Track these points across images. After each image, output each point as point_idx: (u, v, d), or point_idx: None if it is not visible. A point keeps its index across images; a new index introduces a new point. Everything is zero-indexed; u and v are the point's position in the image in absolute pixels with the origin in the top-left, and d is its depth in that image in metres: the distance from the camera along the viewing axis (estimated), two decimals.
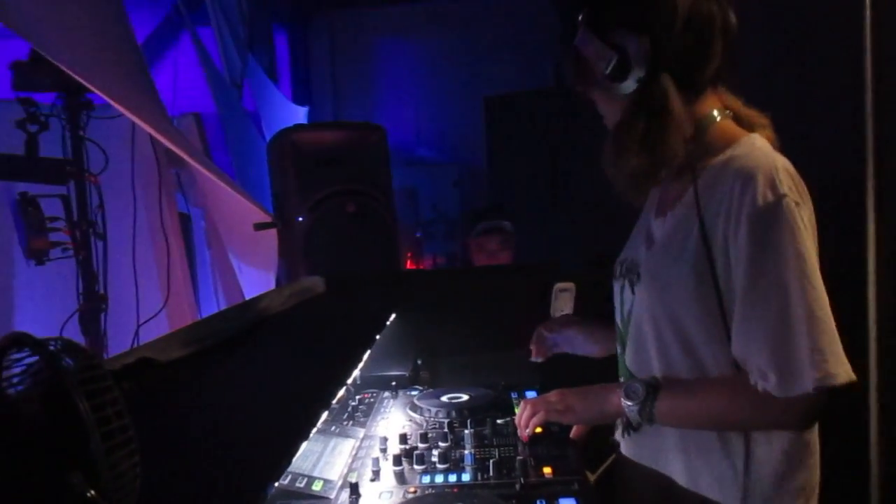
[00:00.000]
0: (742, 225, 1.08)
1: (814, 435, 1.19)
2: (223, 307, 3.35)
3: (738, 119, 1.22)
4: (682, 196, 1.21)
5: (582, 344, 1.58)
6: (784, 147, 1.20)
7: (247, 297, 3.23)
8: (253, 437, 0.91)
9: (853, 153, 1.80)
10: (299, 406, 1.07)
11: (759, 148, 1.15)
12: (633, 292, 1.25)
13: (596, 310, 1.61)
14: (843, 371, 1.03)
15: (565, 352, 1.62)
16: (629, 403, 1.19)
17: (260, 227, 2.75)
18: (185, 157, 2.53)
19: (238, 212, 2.85)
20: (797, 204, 1.07)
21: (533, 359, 1.64)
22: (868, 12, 1.77)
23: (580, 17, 1.21)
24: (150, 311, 2.55)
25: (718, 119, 1.20)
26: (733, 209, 1.09)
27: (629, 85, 1.16)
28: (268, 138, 4.09)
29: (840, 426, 1.25)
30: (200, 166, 2.59)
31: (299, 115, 4.82)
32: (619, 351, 1.34)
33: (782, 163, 1.12)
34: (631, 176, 1.19)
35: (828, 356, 1.03)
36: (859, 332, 1.86)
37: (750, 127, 1.21)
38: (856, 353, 1.10)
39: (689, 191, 1.18)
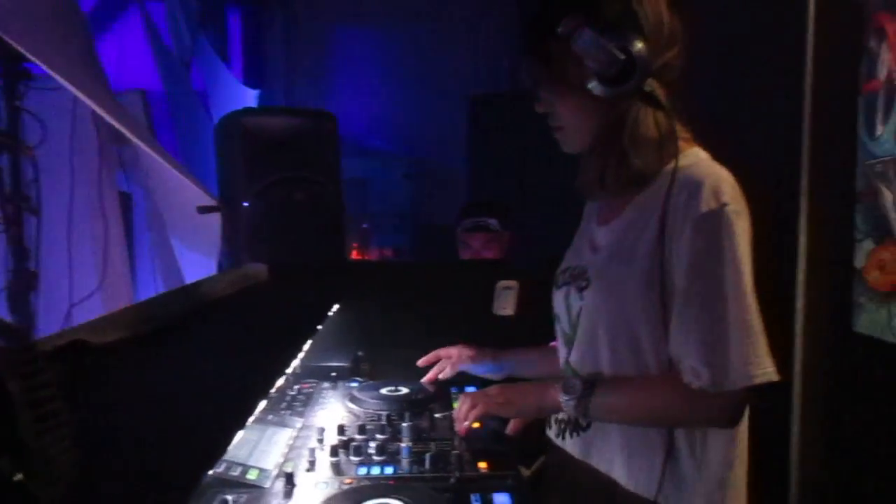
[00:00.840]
0: (686, 230, 1.14)
1: (745, 434, 1.25)
2: (161, 291, 3.28)
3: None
4: (629, 202, 1.25)
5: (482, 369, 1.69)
6: (718, 154, 1.25)
7: (187, 282, 3.17)
8: (188, 425, 0.90)
9: (787, 162, 1.86)
10: (236, 394, 1.05)
11: (703, 160, 1.22)
12: (581, 297, 1.28)
13: (539, 308, 1.65)
14: (768, 371, 1.11)
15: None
16: (566, 398, 1.22)
17: (204, 210, 2.70)
18: (129, 134, 2.47)
19: (181, 194, 2.79)
20: (737, 213, 1.14)
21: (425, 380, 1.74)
22: (811, 25, 1.83)
23: (578, 17, 1.16)
24: (84, 291, 2.48)
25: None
26: (679, 215, 1.15)
27: (625, 90, 1.16)
28: (216, 120, 4.02)
29: (763, 426, 1.30)
30: (144, 145, 2.53)
31: (250, 98, 4.74)
32: (563, 355, 1.36)
33: (726, 174, 1.18)
34: (632, 175, 1.21)
35: (753, 357, 1.10)
36: (786, 333, 1.93)
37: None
38: (782, 353, 1.16)
39: (636, 198, 1.24)
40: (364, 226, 5.39)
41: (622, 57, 1.14)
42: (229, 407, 1.01)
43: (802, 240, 1.86)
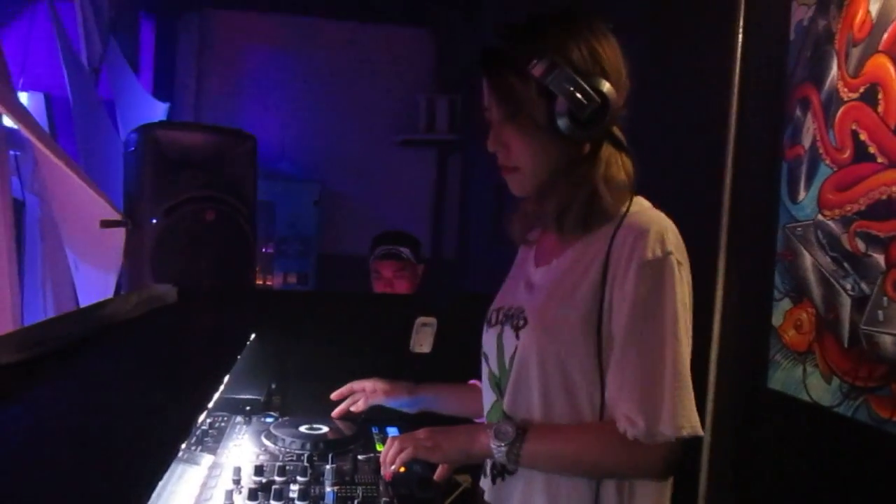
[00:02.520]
0: (629, 275, 1.13)
1: (670, 489, 1.24)
2: (50, 305, 3.05)
3: None
4: (570, 245, 1.24)
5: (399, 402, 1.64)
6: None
7: (80, 297, 2.96)
8: (102, 467, 0.80)
9: (708, 220, 1.92)
10: (158, 432, 0.96)
11: (648, 207, 1.23)
12: (517, 337, 1.25)
13: (454, 346, 1.61)
14: (689, 425, 1.11)
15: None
16: (498, 444, 1.18)
17: (107, 224, 2.53)
18: (31, 137, 2.30)
19: (83, 205, 2.61)
20: (679, 263, 1.15)
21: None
22: (736, 90, 1.91)
23: (549, 57, 1.14)
24: None
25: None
26: (623, 260, 1.14)
27: (596, 130, 1.16)
28: (122, 130, 3.81)
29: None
30: (47, 150, 2.36)
31: (158, 110, 4.54)
32: (492, 398, 1.33)
33: (670, 224, 1.19)
34: (596, 215, 1.20)
35: (682, 410, 1.10)
36: (699, 386, 1.98)
37: None
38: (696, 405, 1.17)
39: (579, 241, 1.23)
40: (269, 250, 5.24)
41: (597, 98, 1.14)
42: (148, 446, 0.91)
43: (719, 294, 1.91)
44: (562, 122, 1.15)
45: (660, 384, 1.10)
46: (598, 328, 1.15)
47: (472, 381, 1.55)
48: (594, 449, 1.18)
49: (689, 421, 1.10)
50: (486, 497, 1.31)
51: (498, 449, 1.18)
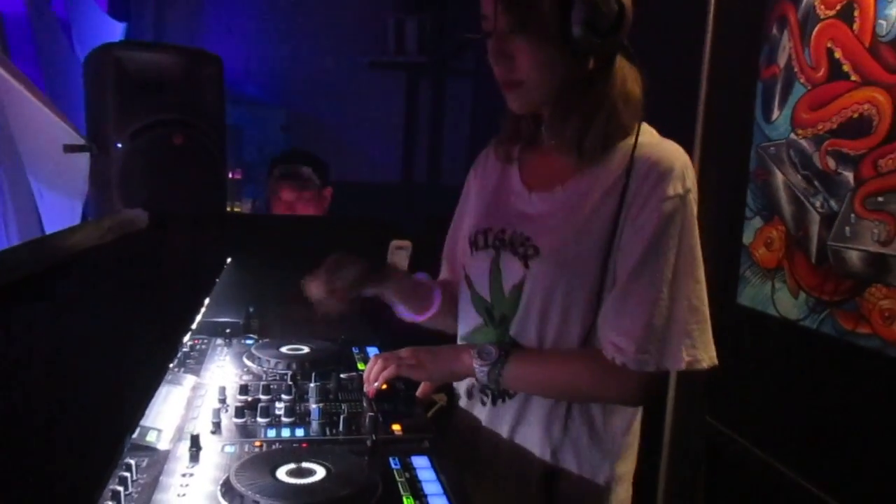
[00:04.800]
0: (648, 211, 1.12)
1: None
2: (14, 235, 2.98)
3: None
4: (576, 171, 1.21)
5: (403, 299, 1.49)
6: None
7: (46, 226, 2.90)
8: (99, 388, 0.80)
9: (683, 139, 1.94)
10: (146, 353, 0.96)
11: (663, 139, 1.20)
12: (525, 266, 1.23)
13: (429, 269, 1.63)
14: (707, 357, 1.13)
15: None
16: (480, 364, 1.20)
17: (71, 149, 2.47)
18: None
19: (44, 130, 2.53)
20: (695, 200, 1.15)
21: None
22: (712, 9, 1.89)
23: None
24: None
25: None
26: (643, 194, 1.12)
27: (613, 42, 1.12)
28: (79, 52, 3.66)
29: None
30: (3, 71, 2.27)
31: (116, 30, 4.37)
32: (476, 322, 1.34)
33: (688, 159, 1.17)
34: (614, 134, 1.17)
35: (696, 343, 1.11)
36: None
37: None
38: None
39: (585, 167, 1.19)
40: (237, 176, 5.16)
41: (616, 7, 1.08)
42: (140, 366, 0.92)
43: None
44: (577, 32, 1.08)
45: (669, 317, 1.11)
46: (607, 258, 1.15)
47: (419, 274, 1.53)
48: (575, 372, 1.20)
49: (706, 352, 1.13)
50: (485, 421, 1.32)
51: (480, 369, 1.20)
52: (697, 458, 1.99)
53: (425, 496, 1.00)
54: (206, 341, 1.66)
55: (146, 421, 1.18)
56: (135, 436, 1.12)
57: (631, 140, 1.16)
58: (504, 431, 1.29)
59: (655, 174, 1.12)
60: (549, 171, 1.25)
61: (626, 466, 1.29)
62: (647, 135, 1.19)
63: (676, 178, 1.12)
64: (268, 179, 2.81)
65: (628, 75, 1.17)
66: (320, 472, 1.01)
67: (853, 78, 1.48)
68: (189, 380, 1.41)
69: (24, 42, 3.16)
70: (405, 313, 1.50)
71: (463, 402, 1.39)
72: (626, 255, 1.14)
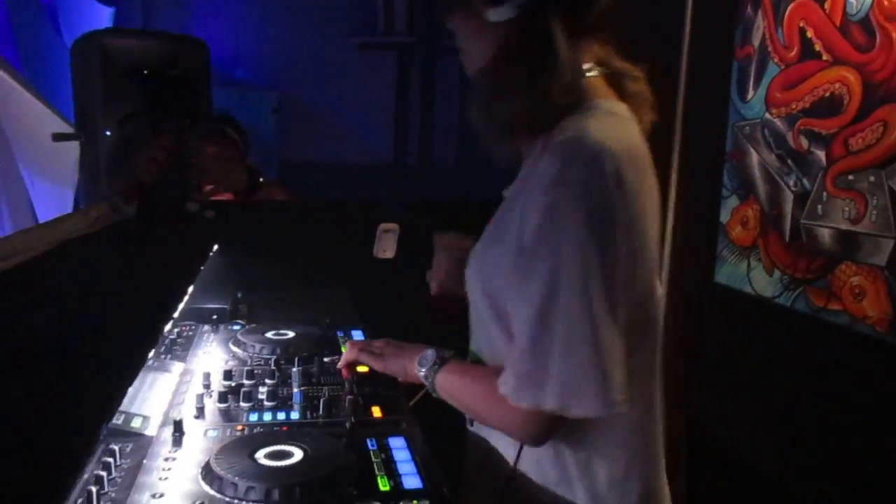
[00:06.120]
0: (530, 212, 0.97)
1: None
2: (6, 223, 3.01)
3: (610, 76, 1.09)
4: (520, 169, 1.10)
5: None
6: None
7: (38, 212, 2.92)
8: (79, 374, 0.84)
9: (660, 121, 1.96)
10: (126, 340, 0.99)
11: (591, 124, 0.99)
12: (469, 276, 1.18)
13: (417, 252, 1.65)
14: (614, 401, 0.94)
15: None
16: (420, 368, 1.18)
17: (60, 137, 2.48)
18: None
19: (32, 118, 2.55)
20: (588, 198, 0.95)
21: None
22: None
23: None
24: None
25: (589, 75, 1.05)
26: (537, 187, 0.97)
27: (507, 10, 0.99)
28: (66, 38, 3.66)
29: None
30: None
31: (104, 16, 4.36)
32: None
33: (593, 152, 0.96)
34: (504, 125, 1.01)
35: (604, 383, 0.93)
36: None
37: (620, 86, 1.09)
38: None
39: (527, 163, 1.08)
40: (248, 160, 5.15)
41: None
42: (119, 354, 0.95)
43: (672, 194, 1.96)
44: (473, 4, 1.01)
45: (544, 343, 0.95)
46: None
47: None
48: (476, 395, 1.12)
49: (580, 398, 0.93)
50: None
51: (419, 371, 1.18)
52: (679, 437, 2.03)
53: (399, 476, 1.03)
54: (193, 328, 1.70)
55: (132, 408, 1.22)
56: (120, 422, 1.16)
57: (557, 136, 0.99)
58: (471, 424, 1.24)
59: (540, 174, 0.97)
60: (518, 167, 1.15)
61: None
62: (581, 118, 1.00)
63: (554, 181, 0.94)
64: None
65: (544, 46, 0.99)
66: (298, 455, 1.05)
67: (825, 57, 1.50)
68: (176, 366, 1.45)
69: (8, 29, 3.16)
70: None
71: None
72: (518, 262, 1.00)
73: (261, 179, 2.44)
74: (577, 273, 0.93)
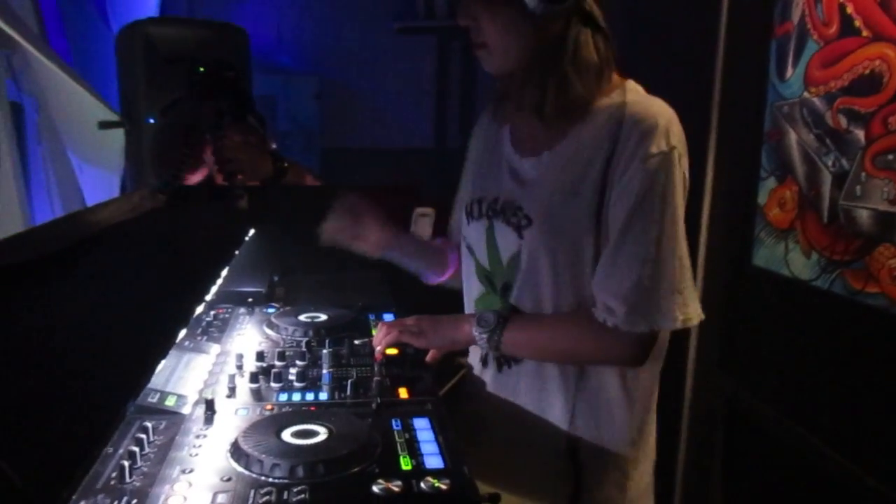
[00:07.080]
0: (632, 169, 1.12)
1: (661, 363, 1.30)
2: (56, 207, 3.11)
3: None
4: (565, 135, 1.21)
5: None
6: None
7: (86, 199, 3.02)
8: (109, 353, 0.87)
9: (698, 101, 1.92)
10: (157, 322, 1.03)
11: (647, 96, 1.19)
12: (520, 236, 1.25)
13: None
14: (697, 314, 1.14)
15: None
16: (480, 331, 1.24)
17: (105, 125, 2.56)
18: (19, 38, 2.29)
19: (80, 106, 2.62)
20: (681, 156, 1.14)
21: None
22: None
23: None
24: None
25: None
26: (626, 153, 1.12)
27: (565, 7, 1.11)
28: (113, 27, 3.75)
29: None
30: (36, 51, 2.35)
31: (150, 4, 4.44)
32: (480, 290, 1.37)
33: (673, 115, 1.16)
34: (572, 102, 1.16)
35: (687, 300, 1.13)
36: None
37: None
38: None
39: (574, 130, 1.20)
40: (272, 146, 5.23)
41: None
42: (151, 334, 0.98)
43: (709, 176, 1.93)
44: None
45: (657, 276, 1.11)
46: (599, 221, 1.16)
47: (439, 239, 1.59)
48: (570, 336, 1.22)
49: (689, 309, 1.13)
50: (490, 387, 1.36)
51: (480, 335, 1.24)
52: (715, 419, 2.01)
53: (422, 455, 1.05)
54: (229, 310, 1.74)
55: (168, 387, 1.26)
56: (155, 400, 1.20)
57: (616, 99, 1.16)
58: (519, 398, 1.31)
59: (638, 132, 1.12)
60: (537, 136, 1.26)
61: (647, 431, 1.31)
62: (633, 93, 1.19)
63: (660, 136, 1.11)
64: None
65: (585, 42, 1.15)
66: (323, 434, 1.07)
67: (864, 34, 1.45)
68: (213, 348, 1.48)
69: (57, 17, 3.24)
70: (426, 276, 1.58)
71: (477, 370, 1.42)
72: (614, 216, 1.15)
73: (285, 165, 2.46)
74: (676, 220, 1.12)
